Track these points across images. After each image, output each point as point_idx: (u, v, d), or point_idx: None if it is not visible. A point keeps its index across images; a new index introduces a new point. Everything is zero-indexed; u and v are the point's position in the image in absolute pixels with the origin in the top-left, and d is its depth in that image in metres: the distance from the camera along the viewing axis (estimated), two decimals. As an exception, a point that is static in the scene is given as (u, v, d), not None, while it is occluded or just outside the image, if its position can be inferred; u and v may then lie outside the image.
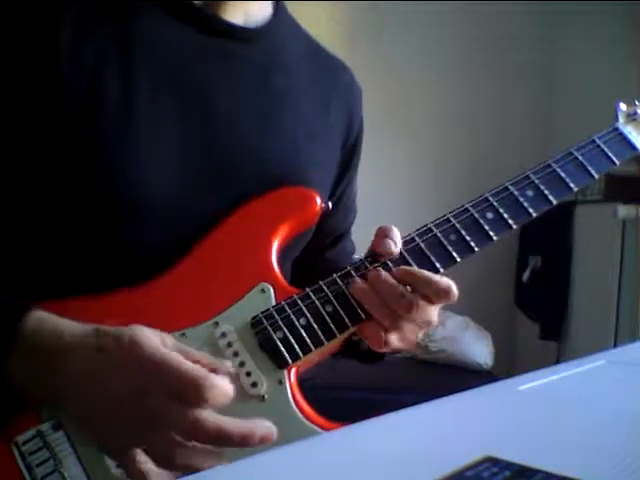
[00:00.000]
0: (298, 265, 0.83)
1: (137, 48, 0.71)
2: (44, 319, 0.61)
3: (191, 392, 0.55)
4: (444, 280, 0.71)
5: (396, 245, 0.73)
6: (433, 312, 0.72)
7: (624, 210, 2.44)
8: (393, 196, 2.87)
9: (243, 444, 0.56)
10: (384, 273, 0.71)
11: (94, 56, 0.69)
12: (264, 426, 0.57)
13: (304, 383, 0.71)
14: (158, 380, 0.56)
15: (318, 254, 0.89)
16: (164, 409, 0.56)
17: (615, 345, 2.40)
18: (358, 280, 0.72)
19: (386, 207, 2.74)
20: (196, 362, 0.58)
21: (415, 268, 0.73)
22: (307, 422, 0.68)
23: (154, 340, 0.58)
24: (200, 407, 0.55)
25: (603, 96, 2.61)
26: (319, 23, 2.63)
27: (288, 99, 0.81)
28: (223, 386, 0.56)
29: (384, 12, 2.84)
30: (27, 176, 0.68)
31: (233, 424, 0.56)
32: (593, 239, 2.65)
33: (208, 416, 0.56)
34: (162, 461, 0.57)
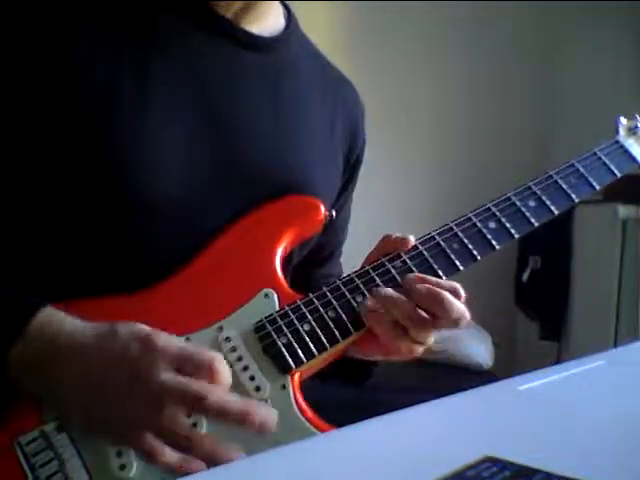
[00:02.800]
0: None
1: (153, 50, 0.72)
2: (53, 317, 0.62)
3: (202, 369, 0.59)
4: (453, 283, 0.72)
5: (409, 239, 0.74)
6: (459, 305, 0.71)
7: (624, 210, 2.44)
8: (392, 199, 2.87)
9: (241, 421, 0.59)
10: (395, 294, 0.71)
11: (110, 56, 0.70)
12: (264, 411, 0.60)
13: (304, 383, 0.71)
14: (167, 359, 0.58)
15: (306, 271, 0.89)
16: (170, 383, 0.58)
17: (615, 345, 2.39)
18: (370, 301, 0.71)
19: (385, 211, 2.75)
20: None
21: (424, 275, 0.73)
22: (310, 427, 0.68)
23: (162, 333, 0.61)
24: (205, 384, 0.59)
25: (604, 97, 2.62)
26: (319, 25, 2.63)
27: (297, 108, 0.82)
28: (226, 368, 0.60)
29: (384, 14, 2.84)
30: (40, 174, 0.69)
31: (235, 400, 0.59)
32: (593, 239, 2.65)
33: (211, 388, 0.58)
34: (173, 443, 0.59)
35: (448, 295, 0.69)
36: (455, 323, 0.70)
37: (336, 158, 0.87)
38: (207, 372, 0.59)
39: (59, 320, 0.62)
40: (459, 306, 0.70)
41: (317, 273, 0.92)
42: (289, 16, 0.86)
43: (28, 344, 0.61)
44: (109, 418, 0.60)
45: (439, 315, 0.69)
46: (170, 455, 0.58)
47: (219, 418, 0.59)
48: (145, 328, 0.60)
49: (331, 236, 0.91)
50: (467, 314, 0.70)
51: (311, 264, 0.90)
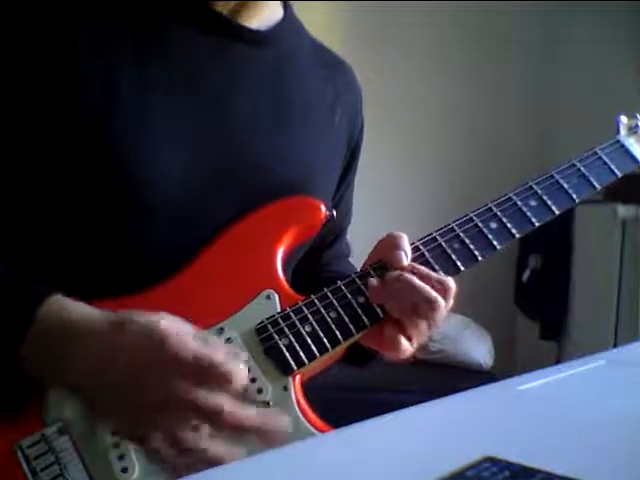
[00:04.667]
0: (295, 266, 0.83)
1: (153, 49, 0.72)
2: (62, 304, 0.62)
3: (220, 376, 0.59)
4: (448, 278, 0.72)
5: (407, 256, 0.73)
6: (443, 312, 0.73)
7: (624, 210, 2.44)
8: (392, 197, 2.87)
9: (257, 434, 0.60)
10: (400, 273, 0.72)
11: (110, 55, 0.70)
12: (278, 421, 0.62)
13: (304, 383, 0.71)
14: (185, 368, 0.58)
15: (314, 255, 0.89)
16: (185, 392, 0.58)
17: (615, 345, 2.39)
18: (373, 280, 0.72)
19: (384, 209, 2.75)
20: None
21: (420, 266, 0.73)
22: (312, 428, 0.68)
23: (177, 328, 0.60)
24: (220, 391, 0.59)
25: (605, 95, 2.62)
26: (319, 24, 2.63)
27: (298, 102, 0.82)
28: (242, 369, 0.60)
29: (384, 13, 2.84)
30: (41, 174, 0.69)
31: (251, 413, 0.60)
32: (593, 239, 2.65)
33: (225, 403, 0.59)
34: (178, 446, 0.59)
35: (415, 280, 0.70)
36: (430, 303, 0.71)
37: (338, 146, 0.87)
38: (222, 377, 0.59)
39: (69, 306, 0.62)
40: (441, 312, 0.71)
41: (326, 255, 0.92)
42: (285, 5, 0.85)
43: (39, 332, 0.61)
44: (119, 411, 0.60)
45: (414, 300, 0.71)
46: (177, 458, 0.59)
47: (235, 432, 0.60)
48: (158, 327, 0.60)
49: (338, 219, 0.92)
50: (439, 301, 0.71)
51: (319, 248, 0.90)
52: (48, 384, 0.63)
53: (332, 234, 0.92)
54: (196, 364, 0.59)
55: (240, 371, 0.60)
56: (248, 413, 0.60)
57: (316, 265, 0.89)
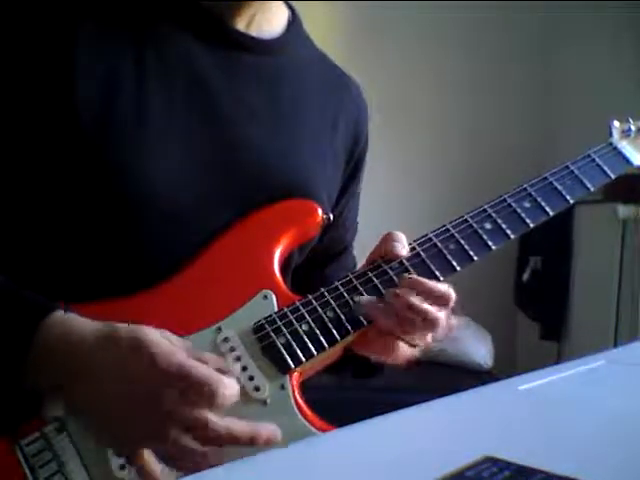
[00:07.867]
0: (299, 279, 0.83)
1: (152, 51, 0.72)
2: (62, 321, 0.62)
3: (204, 392, 0.57)
4: (444, 286, 0.73)
5: (404, 247, 0.75)
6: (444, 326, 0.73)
7: (624, 210, 2.44)
8: (391, 199, 2.87)
9: (249, 445, 0.59)
10: (392, 289, 0.72)
11: (110, 58, 0.70)
12: (269, 428, 0.61)
13: (304, 383, 0.71)
14: (171, 382, 0.58)
15: (318, 268, 0.89)
16: (177, 411, 0.57)
17: (615, 345, 2.39)
18: (366, 297, 0.72)
19: (384, 210, 2.75)
20: (204, 363, 0.60)
21: (418, 277, 0.74)
22: (310, 426, 0.68)
23: (163, 342, 0.59)
24: (211, 408, 0.58)
25: (604, 97, 2.62)
26: (319, 24, 2.63)
27: (297, 112, 0.82)
28: (233, 386, 0.59)
29: (384, 13, 2.84)
30: (40, 175, 0.69)
31: (240, 426, 0.59)
32: (593, 239, 2.65)
33: (218, 419, 0.58)
34: (170, 461, 0.59)
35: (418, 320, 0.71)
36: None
37: (337, 160, 0.87)
38: (207, 397, 0.57)
39: (63, 330, 0.61)
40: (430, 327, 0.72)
41: (332, 267, 0.93)
42: (293, 17, 0.86)
43: (40, 351, 0.60)
44: (110, 430, 0.60)
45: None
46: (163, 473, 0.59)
47: (226, 443, 0.59)
48: (143, 338, 0.59)
49: (341, 231, 0.92)
50: (440, 330, 0.73)
51: (324, 260, 0.91)
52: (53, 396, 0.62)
53: (336, 247, 0.93)
54: (180, 377, 0.57)
55: (227, 386, 0.58)
56: (235, 426, 0.59)
57: (320, 278, 0.89)
